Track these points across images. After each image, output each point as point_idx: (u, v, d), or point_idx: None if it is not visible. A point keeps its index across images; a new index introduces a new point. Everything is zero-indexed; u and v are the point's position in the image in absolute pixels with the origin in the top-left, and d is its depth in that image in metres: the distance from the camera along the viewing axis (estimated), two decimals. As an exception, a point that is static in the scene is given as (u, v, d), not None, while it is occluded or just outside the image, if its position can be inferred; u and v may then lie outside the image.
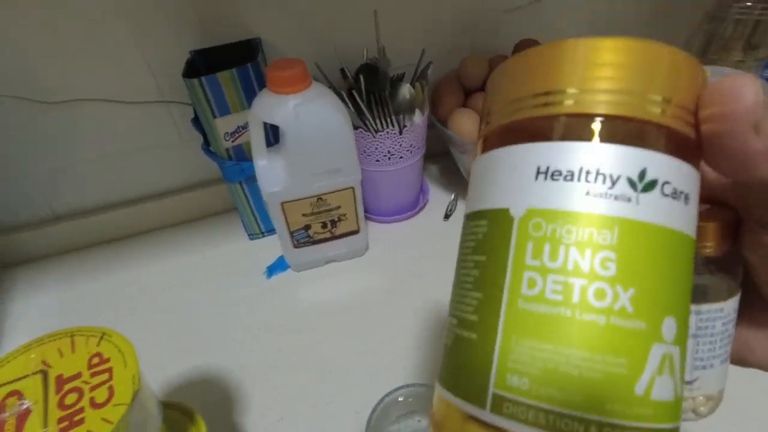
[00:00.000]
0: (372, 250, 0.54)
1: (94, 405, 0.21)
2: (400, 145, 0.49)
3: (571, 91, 0.13)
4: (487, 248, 0.14)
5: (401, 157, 0.50)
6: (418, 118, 0.49)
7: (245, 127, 0.46)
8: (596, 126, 0.13)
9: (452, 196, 0.60)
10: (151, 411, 0.25)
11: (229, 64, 0.42)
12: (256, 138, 0.42)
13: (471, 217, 0.15)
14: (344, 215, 0.47)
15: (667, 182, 0.12)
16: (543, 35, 0.57)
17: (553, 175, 0.13)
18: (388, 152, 0.49)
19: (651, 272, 0.12)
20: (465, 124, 0.50)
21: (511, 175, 0.14)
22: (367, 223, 0.54)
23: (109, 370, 0.22)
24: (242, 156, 0.48)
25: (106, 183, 0.54)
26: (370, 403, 0.38)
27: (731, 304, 0.17)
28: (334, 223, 0.47)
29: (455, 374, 0.14)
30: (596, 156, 0.12)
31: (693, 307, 0.17)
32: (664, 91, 0.12)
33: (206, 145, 0.48)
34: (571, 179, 0.13)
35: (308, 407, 0.39)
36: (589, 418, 0.12)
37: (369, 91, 0.47)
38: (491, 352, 0.13)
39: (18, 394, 0.22)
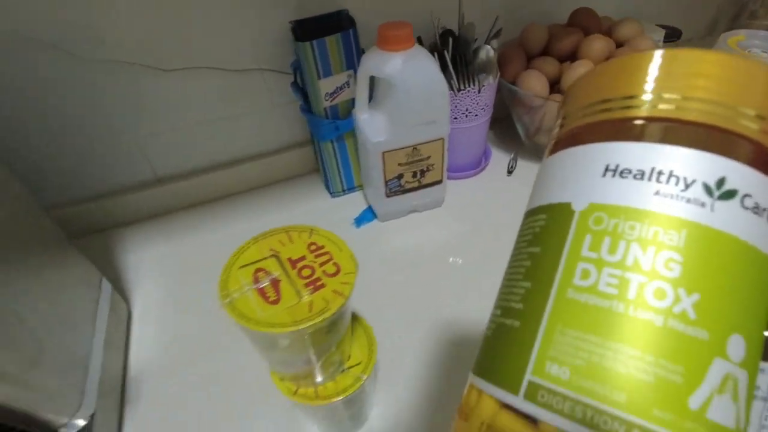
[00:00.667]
0: (448, 202, 0.59)
1: (328, 275, 0.26)
2: (477, 104, 0.55)
3: (651, 96, 0.13)
4: (543, 240, 0.14)
5: (476, 115, 0.56)
6: (493, 79, 0.54)
7: (343, 87, 0.51)
8: (674, 129, 0.12)
9: (512, 155, 0.65)
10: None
11: (320, 34, 0.47)
12: (361, 93, 0.47)
13: (530, 214, 0.15)
14: (432, 165, 0.52)
15: (748, 195, 0.12)
16: (590, 5, 0.62)
17: (622, 172, 0.13)
18: (466, 110, 0.55)
19: (720, 282, 0.11)
20: (533, 82, 0.55)
21: (577, 172, 0.14)
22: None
23: (328, 252, 0.28)
24: (337, 115, 0.53)
25: (204, 147, 0.59)
26: (476, 318, 0.44)
27: None
28: (422, 172, 0.53)
29: (492, 361, 0.14)
30: (671, 158, 0.12)
31: (766, 365, 0.15)
32: (758, 107, 0.12)
33: (306, 105, 0.53)
34: (641, 178, 0.12)
35: (417, 331, 0.45)
36: (632, 421, 0.11)
37: (453, 54, 0.52)
38: (533, 338, 0.12)
39: (263, 271, 0.27)
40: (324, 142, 0.55)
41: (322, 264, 0.27)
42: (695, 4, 0.74)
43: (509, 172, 0.63)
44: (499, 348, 0.13)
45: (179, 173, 0.60)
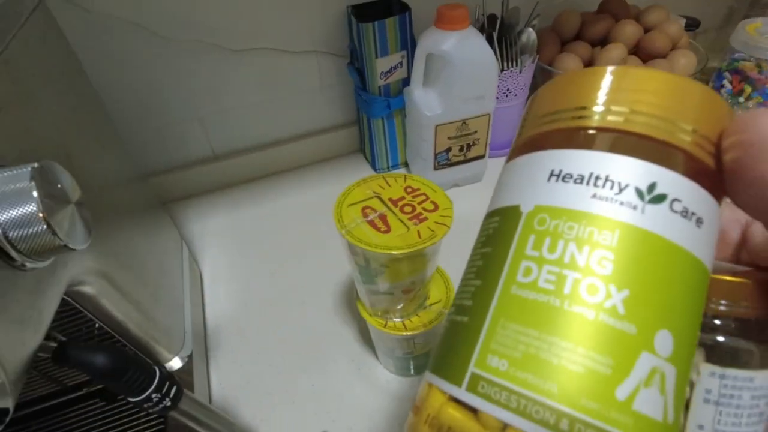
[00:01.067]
0: (487, 177, 0.63)
1: (428, 211, 0.30)
2: (517, 84, 0.59)
3: (596, 108, 0.14)
4: (493, 240, 0.15)
5: (516, 95, 0.60)
6: (532, 61, 0.58)
7: (396, 67, 0.55)
8: (614, 139, 0.13)
9: (544, 135, 0.69)
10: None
11: (374, 18, 0.51)
12: (418, 69, 0.51)
13: (487, 217, 0.16)
14: (477, 140, 0.56)
15: (677, 199, 0.13)
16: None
17: (564, 177, 0.13)
18: (507, 89, 0.59)
19: (648, 279, 0.12)
20: (570, 63, 0.59)
21: (526, 177, 0.15)
22: (481, 155, 0.64)
23: (424, 194, 0.32)
24: (389, 94, 0.57)
25: (258, 126, 0.63)
26: None
27: (765, 377, 0.15)
28: (468, 147, 0.57)
29: (443, 357, 0.14)
30: (608, 164, 0.13)
31: (717, 369, 0.15)
32: (692, 121, 0.13)
33: (361, 85, 0.57)
34: (581, 182, 0.13)
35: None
36: (561, 410, 0.11)
37: (499, 35, 0.56)
38: (478, 333, 0.13)
39: (370, 208, 0.31)
40: (375, 119, 0.59)
41: (420, 202, 0.31)
42: (713, -4, 0.79)
43: (543, 151, 0.67)
44: (449, 343, 0.14)
45: (235, 150, 0.64)
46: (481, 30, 0.57)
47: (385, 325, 0.35)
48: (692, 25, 0.74)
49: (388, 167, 0.65)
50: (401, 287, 0.32)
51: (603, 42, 0.62)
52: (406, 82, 0.56)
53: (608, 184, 0.13)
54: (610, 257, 0.12)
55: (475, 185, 0.62)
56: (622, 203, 0.13)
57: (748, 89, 0.67)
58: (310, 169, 0.67)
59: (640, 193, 0.13)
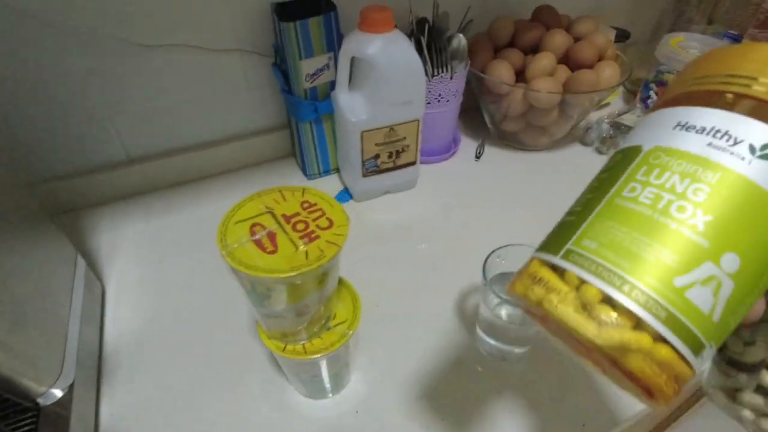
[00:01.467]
0: (420, 184, 0.62)
1: (322, 228, 0.28)
2: (449, 89, 0.58)
3: (738, 78, 0.17)
4: (611, 168, 0.18)
5: (447, 101, 0.59)
6: (464, 67, 0.58)
7: (323, 69, 0.53)
8: (744, 102, 0.16)
9: (480, 141, 0.69)
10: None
11: (300, 17, 0.48)
12: (342, 72, 0.49)
13: (612, 155, 0.19)
14: (407, 146, 0.55)
15: None
16: (556, 3, 0.67)
17: (688, 127, 0.16)
18: (439, 95, 0.58)
19: (735, 215, 0.15)
20: (501, 70, 0.59)
21: (656, 125, 0.18)
22: (415, 161, 0.62)
23: (321, 209, 0.29)
24: (316, 97, 0.55)
25: (179, 128, 0.59)
26: (452, 288, 0.46)
27: None
28: (398, 153, 0.55)
29: (548, 240, 0.19)
30: (731, 122, 0.16)
31: None
32: None
33: (286, 87, 0.54)
34: (702, 132, 0.16)
35: (395, 303, 0.47)
36: (628, 279, 0.15)
37: (428, 41, 0.55)
38: (580, 225, 0.17)
39: (259, 225, 0.28)
40: (303, 123, 0.56)
41: (315, 219, 0.29)
42: (642, 9, 0.81)
43: (477, 157, 0.67)
44: (555, 232, 0.18)
45: (153, 153, 0.59)
46: (411, 35, 0.55)
47: (284, 349, 0.32)
48: (623, 36, 0.77)
49: (319, 173, 0.63)
50: (293, 310, 0.29)
51: (535, 50, 0.62)
52: (334, 85, 0.54)
53: (725, 137, 0.15)
54: (706, 190, 0.15)
55: (407, 192, 0.61)
56: (732, 153, 0.15)
57: (671, 101, 0.70)
58: (237, 175, 0.63)
59: (752, 149, 0.15)
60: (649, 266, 0.15)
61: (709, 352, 0.15)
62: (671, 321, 0.15)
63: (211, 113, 0.59)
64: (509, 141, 0.69)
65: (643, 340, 0.15)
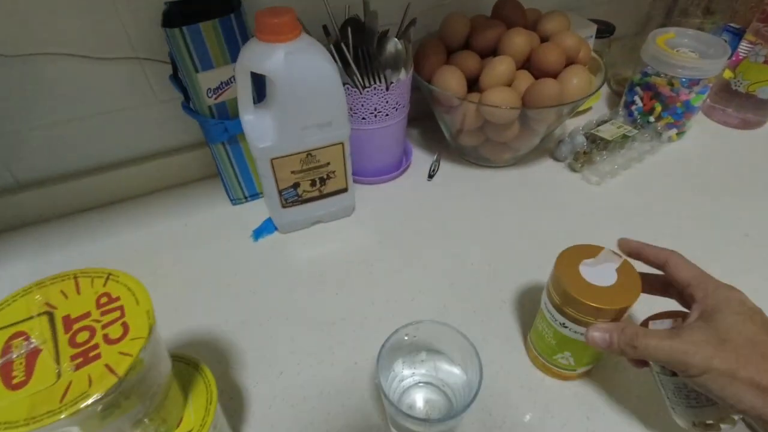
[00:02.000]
0: (359, 211, 0.54)
1: (109, 341, 0.20)
2: (387, 102, 0.49)
3: None
4: None
5: (387, 115, 0.50)
6: (404, 75, 0.49)
7: (229, 83, 0.44)
8: None
9: (434, 157, 0.60)
10: (163, 354, 0.24)
11: (206, 18, 0.40)
12: (243, 90, 0.41)
13: None
14: (333, 172, 0.47)
15: None
16: (521, -5, 0.58)
17: None
18: (375, 109, 0.49)
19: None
20: (450, 80, 0.50)
21: None
22: (354, 185, 0.54)
23: (120, 308, 0.22)
24: (225, 114, 0.46)
25: (76, 147, 0.51)
26: (367, 352, 0.39)
27: None
28: (323, 180, 0.47)
29: None
30: None
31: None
32: None
33: (187, 102, 0.46)
34: None
35: (307, 360, 0.39)
36: None
37: (356, 46, 0.46)
38: None
39: (24, 335, 0.20)
40: (215, 144, 0.48)
41: (107, 324, 0.21)
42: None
43: (430, 177, 0.58)
44: None
45: (48, 177, 0.52)
46: (337, 42, 0.46)
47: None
48: (606, 30, 0.67)
49: (244, 197, 0.55)
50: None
51: (495, 52, 0.53)
52: (246, 100, 0.46)
53: None
54: None
55: (344, 222, 0.53)
56: None
57: (658, 108, 0.60)
58: (154, 198, 0.55)
59: None
60: None
61: None
62: None
63: (116, 129, 0.51)
64: (468, 156, 0.60)
65: None
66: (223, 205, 0.55)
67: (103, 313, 0.21)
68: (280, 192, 0.46)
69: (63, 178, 0.52)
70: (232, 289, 0.45)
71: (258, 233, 0.51)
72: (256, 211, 0.54)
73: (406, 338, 0.32)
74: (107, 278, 0.23)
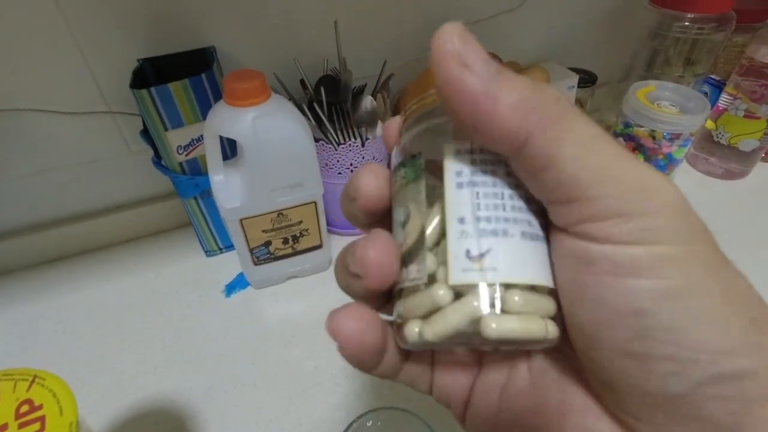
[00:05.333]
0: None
1: (23, 461, 0.19)
2: (363, 158, 0.48)
3: None
4: None
5: (364, 170, 0.49)
6: (380, 130, 0.48)
7: (200, 139, 0.44)
8: None
9: (416, 207, 0.59)
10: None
11: (181, 74, 0.40)
12: (212, 152, 0.40)
13: None
14: (306, 230, 0.46)
15: None
16: (502, 48, 0.58)
17: None
18: (351, 165, 0.48)
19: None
20: (428, 136, 0.49)
21: None
22: (330, 237, 0.53)
23: (41, 419, 0.20)
24: (197, 170, 0.46)
25: (47, 198, 0.50)
26: (338, 425, 0.37)
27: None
28: (296, 238, 0.46)
29: None
30: None
31: (462, 145, 0.15)
32: None
33: (157, 158, 0.45)
34: None
35: (271, 435, 0.37)
36: None
37: (330, 103, 0.46)
38: None
39: (-70, 454, 0.19)
40: (186, 199, 0.47)
41: (23, 440, 0.19)
42: (611, 48, 0.72)
43: (411, 228, 0.57)
44: None
45: (18, 228, 0.50)
46: (311, 99, 0.46)
47: None
48: (588, 80, 0.67)
49: (219, 249, 0.53)
50: None
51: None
52: (218, 156, 0.45)
53: None
54: None
55: (319, 276, 0.51)
56: None
57: (640, 158, 0.60)
58: (126, 249, 0.54)
59: None
60: None
61: None
62: None
63: (88, 182, 0.51)
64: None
65: None
66: (196, 256, 0.53)
67: (21, 426, 0.20)
68: (251, 251, 0.45)
69: (33, 229, 0.51)
70: (201, 352, 0.43)
71: (230, 288, 0.49)
72: (231, 263, 0.52)
73: (369, 424, 0.30)
74: (32, 381, 0.21)
